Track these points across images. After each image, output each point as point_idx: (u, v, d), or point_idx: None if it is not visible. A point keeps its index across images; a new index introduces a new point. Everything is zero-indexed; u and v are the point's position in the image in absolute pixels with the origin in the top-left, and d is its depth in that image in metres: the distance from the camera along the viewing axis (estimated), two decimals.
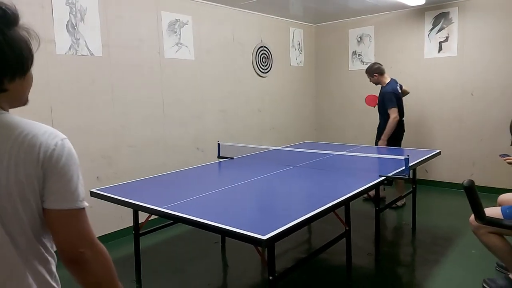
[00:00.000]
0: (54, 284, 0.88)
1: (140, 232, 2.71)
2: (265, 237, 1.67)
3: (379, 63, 4.54)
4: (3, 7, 0.81)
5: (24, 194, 0.80)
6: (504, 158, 2.64)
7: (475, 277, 2.71)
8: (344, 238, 2.57)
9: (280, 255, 3.18)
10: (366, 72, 4.56)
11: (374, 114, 5.18)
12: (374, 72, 4.43)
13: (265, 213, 2.12)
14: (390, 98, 4.23)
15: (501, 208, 2.43)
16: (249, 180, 2.77)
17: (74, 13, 3.36)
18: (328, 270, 3.00)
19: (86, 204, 0.88)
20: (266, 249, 1.86)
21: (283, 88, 5.68)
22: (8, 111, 0.90)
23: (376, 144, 4.43)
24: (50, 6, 3.20)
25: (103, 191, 2.56)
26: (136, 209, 2.37)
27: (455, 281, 2.74)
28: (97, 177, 3.53)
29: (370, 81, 4.55)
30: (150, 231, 2.85)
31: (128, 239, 3.34)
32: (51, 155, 0.83)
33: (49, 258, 0.87)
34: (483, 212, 1.72)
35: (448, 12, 4.89)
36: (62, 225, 0.83)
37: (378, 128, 4.50)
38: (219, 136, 4.57)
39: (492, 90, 4.67)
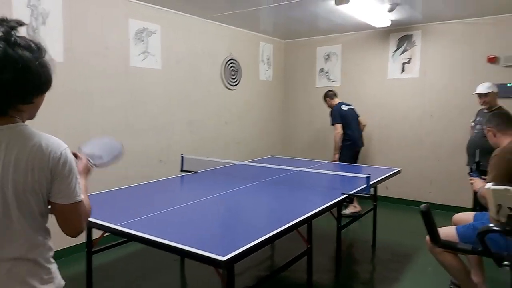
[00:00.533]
0: (51, 246, 1.24)
1: (93, 250, 2.58)
2: (224, 258, 1.63)
3: (331, 90, 5.02)
4: (38, 45, 1.11)
5: (35, 190, 1.11)
6: (470, 178, 2.71)
7: None
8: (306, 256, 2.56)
9: (241, 273, 3.13)
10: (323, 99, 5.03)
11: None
12: (326, 97, 4.96)
13: (226, 232, 2.08)
14: (334, 115, 4.76)
15: (456, 228, 2.51)
16: (212, 196, 2.71)
17: (35, 16, 3.21)
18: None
19: (82, 197, 1.19)
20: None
21: (251, 102, 5.69)
22: (24, 122, 1.16)
23: None
24: (10, 7, 3.05)
25: None
26: (90, 226, 2.26)
27: None
28: None
29: (327, 106, 4.99)
30: (105, 248, 2.72)
31: (82, 255, 3.18)
32: (57, 162, 1.12)
33: (47, 234, 1.23)
34: (438, 236, 1.76)
35: (412, 35, 5.10)
36: (65, 213, 1.18)
37: None
38: (183, 148, 4.49)
39: (450, 112, 4.88)
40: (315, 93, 6.01)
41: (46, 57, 1.13)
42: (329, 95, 4.93)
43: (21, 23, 1.08)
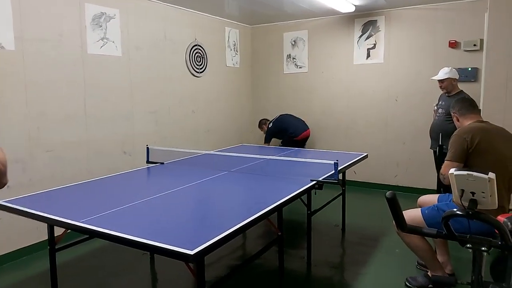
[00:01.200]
0: None
1: (56, 248, 2.46)
2: (192, 252, 1.57)
3: (264, 118, 5.73)
4: None
5: None
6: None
7: (398, 276, 2.85)
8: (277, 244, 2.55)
9: (212, 263, 3.09)
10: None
11: (308, 117, 5.37)
12: (262, 124, 5.69)
13: (194, 224, 2.02)
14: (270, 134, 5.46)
15: (421, 209, 2.57)
16: (180, 187, 2.63)
17: None
18: (261, 276, 2.97)
19: None
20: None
21: (218, 89, 5.58)
22: None
23: None
24: None
25: (12, 203, 2.27)
26: (51, 223, 2.13)
27: (381, 281, 2.85)
28: (7, 186, 3.15)
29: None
30: (69, 245, 2.60)
31: (45, 253, 3.03)
32: None
33: None
34: (404, 222, 1.78)
35: (376, 20, 5.14)
36: None
37: None
38: (149, 139, 4.35)
39: (413, 96, 5.00)
40: (283, 79, 5.99)
41: None
42: (261, 123, 5.69)
43: None
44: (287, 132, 5.30)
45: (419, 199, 2.97)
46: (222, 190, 2.66)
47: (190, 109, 5.09)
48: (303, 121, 5.45)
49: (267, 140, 5.43)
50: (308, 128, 5.40)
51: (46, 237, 2.49)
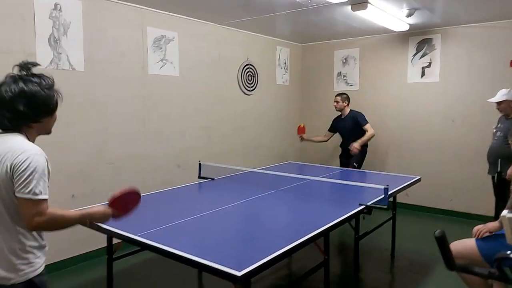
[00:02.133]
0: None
1: (114, 257, 2.63)
2: (240, 274, 1.63)
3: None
4: (47, 79, 1.53)
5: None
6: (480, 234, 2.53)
7: None
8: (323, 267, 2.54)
9: (257, 281, 3.13)
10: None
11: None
12: (345, 98, 5.06)
13: (243, 244, 2.08)
14: (362, 116, 4.92)
15: (475, 240, 2.44)
16: (229, 205, 2.72)
17: (57, 26, 3.30)
18: None
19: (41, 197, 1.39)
20: None
21: (268, 106, 5.68)
22: (35, 135, 1.55)
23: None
24: (33, 19, 3.14)
25: None
26: (110, 235, 2.30)
27: None
28: (72, 195, 3.43)
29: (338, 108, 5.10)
30: (126, 255, 2.77)
31: (102, 260, 3.24)
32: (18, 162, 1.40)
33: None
34: (453, 262, 1.72)
35: (432, 38, 5.00)
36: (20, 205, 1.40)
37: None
38: (201, 153, 4.52)
39: (471, 117, 4.76)
40: (333, 96, 5.95)
41: (53, 87, 1.54)
42: (348, 98, 5.04)
43: (35, 64, 1.54)
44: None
45: (474, 229, 2.81)
46: (270, 210, 2.70)
47: (240, 126, 5.22)
48: None
49: (365, 123, 4.84)
50: None
51: (102, 245, 2.67)
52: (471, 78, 4.75)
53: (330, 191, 3.19)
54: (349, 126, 4.95)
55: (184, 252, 1.84)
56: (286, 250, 1.89)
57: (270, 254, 1.80)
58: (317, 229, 2.18)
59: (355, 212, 2.55)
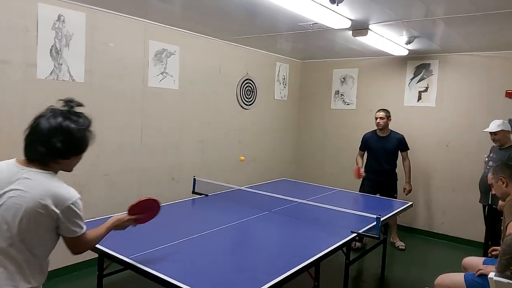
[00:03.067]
0: None
1: (104, 273, 2.63)
2: None
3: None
4: (85, 117, 1.60)
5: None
6: (479, 270, 2.50)
7: None
8: None
9: None
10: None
11: (352, 153, 5.16)
12: (389, 116, 4.62)
13: (233, 273, 2.09)
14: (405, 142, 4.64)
15: (464, 275, 2.47)
16: (221, 227, 2.73)
17: (59, 38, 3.31)
18: None
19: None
20: None
21: (265, 121, 5.72)
22: (56, 170, 1.55)
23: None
24: (36, 29, 3.15)
25: None
26: (101, 254, 2.30)
27: None
28: None
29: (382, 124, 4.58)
30: (116, 272, 2.76)
31: (93, 270, 3.23)
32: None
33: None
34: None
35: (429, 64, 5.07)
36: None
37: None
38: (196, 166, 4.54)
39: (466, 143, 4.82)
40: (330, 114, 6.01)
41: (89, 128, 1.61)
42: (390, 115, 4.64)
43: (79, 104, 1.61)
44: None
45: (464, 260, 2.85)
46: (262, 234, 2.72)
47: (237, 140, 5.24)
48: None
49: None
50: None
51: (94, 256, 2.65)
52: (467, 105, 4.82)
53: (323, 214, 3.20)
54: (390, 148, 4.54)
55: (173, 278, 1.86)
56: (276, 282, 1.90)
57: (260, 287, 1.82)
58: (309, 258, 2.20)
59: (347, 241, 2.57)
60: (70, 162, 1.59)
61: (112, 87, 3.72)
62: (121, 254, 2.12)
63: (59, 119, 1.49)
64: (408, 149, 4.65)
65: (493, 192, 2.72)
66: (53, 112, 1.52)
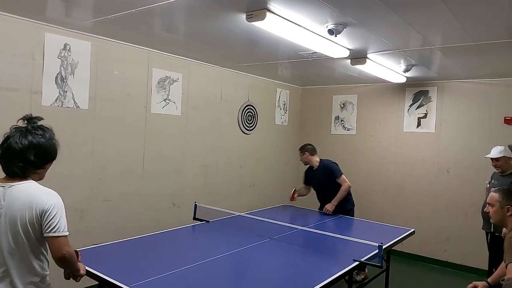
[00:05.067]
0: None
1: None
2: None
3: (311, 144, 4.63)
4: (49, 131, 1.78)
5: None
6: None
7: None
8: None
9: None
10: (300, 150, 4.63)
11: (352, 178, 5.14)
12: (304, 150, 4.53)
13: None
14: (336, 168, 4.42)
15: None
16: (222, 255, 2.71)
17: (65, 66, 3.39)
18: None
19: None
20: None
21: (266, 146, 5.75)
22: (36, 181, 1.75)
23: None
24: (42, 58, 3.23)
25: None
26: (101, 281, 2.28)
27: None
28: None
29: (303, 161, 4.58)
30: None
31: None
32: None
33: None
34: None
35: (428, 90, 5.15)
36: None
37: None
38: (198, 192, 4.54)
39: (466, 169, 4.83)
40: (330, 140, 6.05)
41: (54, 138, 1.80)
42: (309, 149, 4.52)
43: (40, 118, 1.78)
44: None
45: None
46: (262, 263, 2.69)
47: (238, 164, 5.26)
48: None
49: (340, 175, 4.39)
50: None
51: (93, 283, 2.62)
52: (466, 131, 4.86)
53: (324, 241, 3.18)
54: (323, 181, 4.43)
55: None
56: None
57: None
58: None
59: (349, 269, 2.55)
60: (45, 170, 1.80)
61: (115, 114, 3.77)
62: (121, 282, 2.10)
63: (29, 138, 1.69)
64: (341, 174, 4.34)
65: (487, 210, 2.68)
66: (20, 131, 1.70)
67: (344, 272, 2.49)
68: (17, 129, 1.72)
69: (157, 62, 4.11)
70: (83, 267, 1.87)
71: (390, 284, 3.76)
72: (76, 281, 1.88)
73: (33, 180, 1.73)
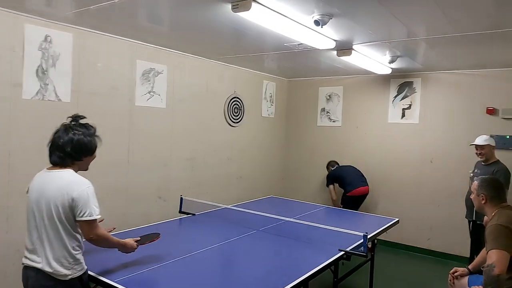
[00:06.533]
0: None
1: None
2: None
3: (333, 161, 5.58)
4: (89, 126, 2.10)
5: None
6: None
7: None
8: None
9: None
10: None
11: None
12: (328, 166, 5.58)
13: None
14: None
15: None
16: (208, 247, 2.71)
17: (46, 58, 3.30)
18: None
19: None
20: None
21: (252, 138, 5.75)
22: (76, 171, 2.03)
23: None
24: (22, 50, 3.14)
25: None
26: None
27: None
28: None
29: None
30: None
31: None
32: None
33: None
34: None
35: (412, 82, 5.20)
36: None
37: None
38: (184, 184, 4.51)
39: (449, 159, 4.92)
40: (316, 131, 6.08)
41: (94, 135, 2.09)
42: (330, 164, 5.55)
43: (82, 117, 2.10)
44: (344, 184, 5.11)
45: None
46: (249, 254, 2.70)
47: (225, 157, 5.25)
48: (362, 177, 5.17)
49: (327, 184, 5.34)
50: (366, 186, 5.06)
51: None
52: (450, 122, 4.94)
53: (310, 232, 3.21)
54: None
55: None
56: None
57: None
58: (298, 278, 2.19)
59: (335, 259, 2.58)
60: (84, 162, 2.06)
61: (98, 107, 3.70)
62: (106, 278, 2.09)
63: (70, 134, 1.98)
64: (328, 184, 5.31)
65: (472, 197, 2.78)
66: (64, 127, 2.01)
67: (330, 262, 2.51)
68: (63, 125, 2.02)
69: (141, 54, 4.05)
70: (129, 243, 2.23)
71: (375, 272, 3.82)
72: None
73: (71, 169, 1.98)
